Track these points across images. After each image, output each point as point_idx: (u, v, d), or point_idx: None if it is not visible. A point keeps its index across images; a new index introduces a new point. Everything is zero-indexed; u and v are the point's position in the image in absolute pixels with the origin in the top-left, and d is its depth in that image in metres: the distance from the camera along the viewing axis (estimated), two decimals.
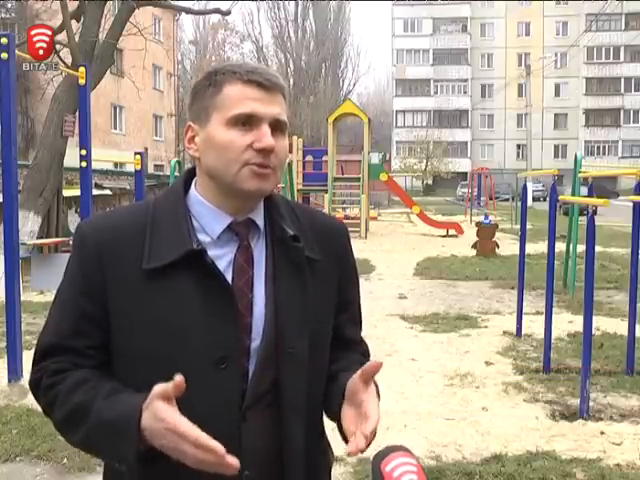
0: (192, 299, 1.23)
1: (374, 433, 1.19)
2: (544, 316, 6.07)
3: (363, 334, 1.52)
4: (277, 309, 1.28)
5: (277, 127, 1.26)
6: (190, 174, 1.36)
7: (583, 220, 6.13)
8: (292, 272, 1.30)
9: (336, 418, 1.29)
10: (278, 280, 1.30)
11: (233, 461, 1.09)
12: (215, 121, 1.25)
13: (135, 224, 1.27)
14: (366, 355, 1.49)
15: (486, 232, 14.39)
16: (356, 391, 1.23)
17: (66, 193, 13.22)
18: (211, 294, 1.23)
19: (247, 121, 1.24)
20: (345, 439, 1.24)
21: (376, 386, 1.47)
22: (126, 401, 1.17)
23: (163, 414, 1.10)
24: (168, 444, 1.11)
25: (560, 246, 9.82)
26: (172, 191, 1.34)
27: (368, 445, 1.18)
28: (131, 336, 1.24)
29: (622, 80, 62.65)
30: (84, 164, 7.91)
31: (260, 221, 1.33)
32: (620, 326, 7.04)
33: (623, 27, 62.19)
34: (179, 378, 1.09)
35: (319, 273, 1.34)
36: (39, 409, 1.34)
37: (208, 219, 1.29)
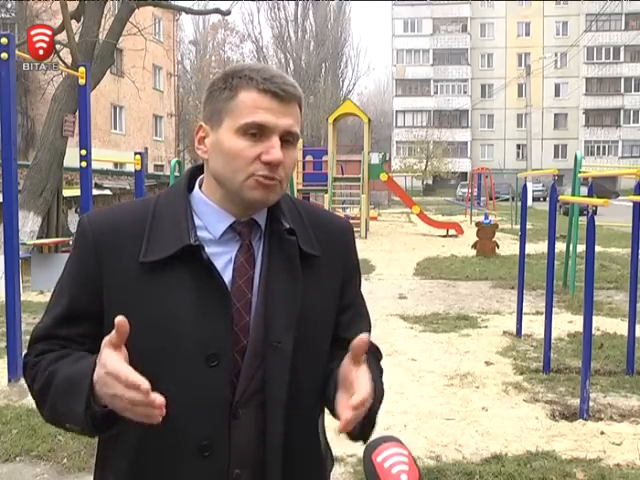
0: (186, 295, 1.23)
1: (363, 404, 1.12)
2: (544, 316, 6.07)
3: None
4: (266, 302, 1.27)
5: (287, 138, 1.25)
6: (193, 172, 1.36)
7: (583, 220, 6.13)
8: (284, 265, 1.29)
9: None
10: (270, 274, 1.28)
11: (158, 398, 1.05)
12: (226, 127, 1.24)
13: (136, 219, 1.28)
14: (373, 354, 1.43)
15: (486, 232, 14.38)
16: (347, 374, 1.19)
17: (66, 193, 13.22)
18: (205, 291, 1.23)
19: (258, 131, 1.23)
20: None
21: (379, 352, 1.44)
22: (86, 361, 1.17)
23: (106, 360, 1.09)
24: (108, 391, 1.09)
25: (560, 246, 9.82)
26: (175, 189, 1.34)
27: (358, 416, 1.12)
28: None
29: (622, 80, 62.63)
30: (84, 164, 7.93)
31: (262, 220, 1.32)
32: (620, 326, 7.04)
33: (623, 27, 62.16)
34: (119, 317, 1.07)
35: (317, 270, 1.32)
36: None
37: (211, 218, 1.29)
